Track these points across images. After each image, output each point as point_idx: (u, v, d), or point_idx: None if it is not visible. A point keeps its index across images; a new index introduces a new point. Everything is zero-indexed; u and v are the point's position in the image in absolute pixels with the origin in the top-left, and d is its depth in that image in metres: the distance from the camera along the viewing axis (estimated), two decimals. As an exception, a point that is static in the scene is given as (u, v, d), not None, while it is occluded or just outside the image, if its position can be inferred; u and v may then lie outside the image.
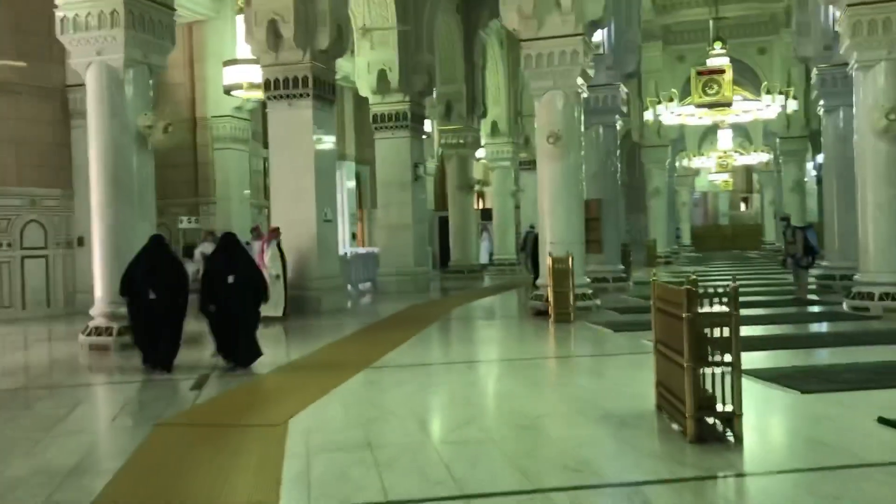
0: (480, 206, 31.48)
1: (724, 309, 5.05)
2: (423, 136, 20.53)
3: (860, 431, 5.18)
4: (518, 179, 28.07)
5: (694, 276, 5.16)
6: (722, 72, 17.31)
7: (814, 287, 16.07)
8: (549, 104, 12.93)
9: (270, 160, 14.72)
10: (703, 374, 5.01)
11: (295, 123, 14.13)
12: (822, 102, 15.84)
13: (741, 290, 5.18)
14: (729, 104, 17.75)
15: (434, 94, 23.13)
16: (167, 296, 8.25)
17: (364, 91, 18.64)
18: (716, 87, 17.02)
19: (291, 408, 6.23)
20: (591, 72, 13.40)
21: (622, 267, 17.81)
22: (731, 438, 4.91)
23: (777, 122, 27.69)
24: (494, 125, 25.99)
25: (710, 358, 4.99)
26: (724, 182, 54.91)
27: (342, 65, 24.81)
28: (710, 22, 24.31)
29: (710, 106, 17.77)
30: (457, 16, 21.91)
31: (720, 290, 5.14)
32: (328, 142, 14.73)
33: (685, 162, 37.99)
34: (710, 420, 5.07)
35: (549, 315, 11.85)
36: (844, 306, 12.11)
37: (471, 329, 12.23)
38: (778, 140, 28.47)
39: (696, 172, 46.12)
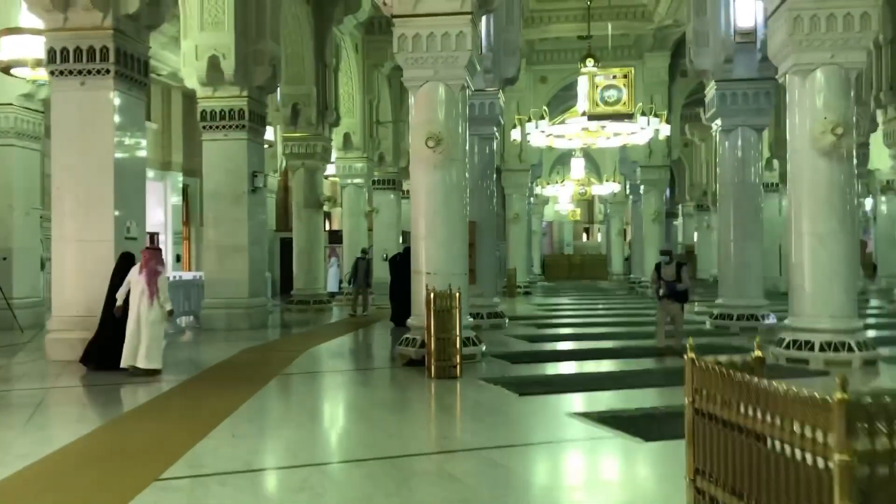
0: (328, 228, 28.37)
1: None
2: (266, 146, 17.31)
3: None
4: (371, 199, 25.31)
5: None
6: (625, 77, 15.39)
7: (708, 328, 14.36)
8: (427, 98, 10.26)
9: (52, 157, 11.05)
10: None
11: (89, 108, 10.62)
12: (718, 122, 14.24)
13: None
14: (630, 115, 15.85)
15: (279, 95, 20.02)
16: None
17: (191, 82, 15.19)
18: (615, 94, 15.05)
19: None
20: (478, 65, 10.90)
21: (497, 300, 15.38)
22: None
23: (638, 151, 26.65)
24: (347, 138, 23.10)
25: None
26: (571, 212, 55.09)
27: (169, 58, 21.19)
28: (585, 39, 22.84)
29: (606, 117, 15.79)
30: (307, 6, 18.91)
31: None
32: (136, 136, 11.29)
33: (538, 189, 36.82)
34: None
35: (427, 367, 9.08)
36: (771, 356, 10.16)
37: (322, 393, 8.97)
38: (639, 169, 27.46)
39: (546, 201, 45.51)
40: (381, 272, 26.08)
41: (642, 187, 27.80)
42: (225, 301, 14.68)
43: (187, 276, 20.09)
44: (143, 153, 11.74)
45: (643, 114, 19.65)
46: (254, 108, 15.27)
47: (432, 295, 8.94)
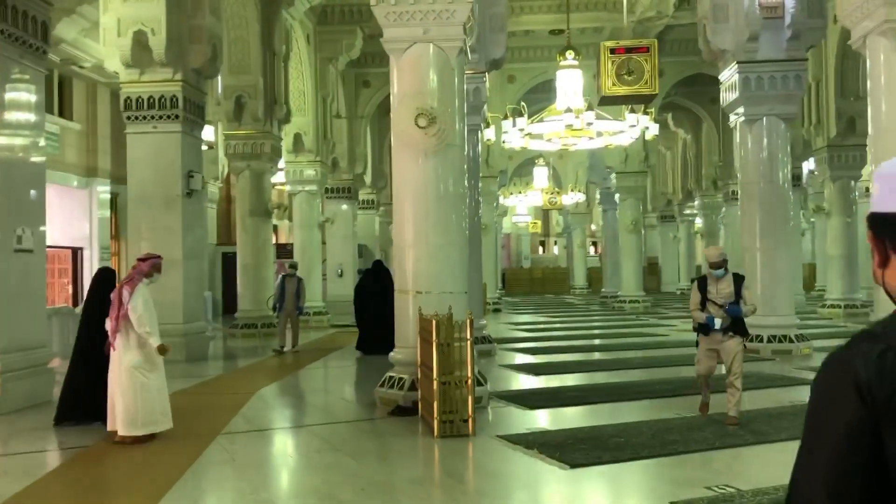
0: (275, 241, 25.70)
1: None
2: (206, 148, 14.72)
3: None
4: (323, 209, 22.78)
5: None
6: (646, 50, 13.21)
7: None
8: (415, 64, 7.93)
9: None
10: None
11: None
12: (740, 111, 12.21)
13: None
14: (652, 96, 13.70)
15: (219, 87, 17.46)
16: None
17: (112, 63, 12.60)
18: (636, 71, 12.88)
19: None
20: (474, 26, 8.62)
21: (484, 322, 13.06)
22: None
23: (612, 156, 24.73)
24: (298, 139, 20.52)
25: None
26: (532, 223, 53.31)
27: (92, 48, 18.38)
28: (558, 33, 20.83)
29: (624, 100, 13.61)
30: (253, -16, 16.43)
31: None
32: (31, 119, 8.68)
33: (501, 199, 34.73)
34: None
35: (426, 420, 6.72)
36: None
37: (281, 468, 6.32)
38: (614, 175, 25.54)
39: (505, 212, 43.48)
40: (337, 289, 23.60)
41: (618, 195, 25.83)
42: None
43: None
44: (39, 145, 9.08)
45: (632, 111, 17.64)
46: (189, 96, 12.68)
47: (434, 323, 6.54)
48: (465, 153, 8.69)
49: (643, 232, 44.49)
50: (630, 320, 20.35)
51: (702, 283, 7.16)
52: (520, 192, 37.17)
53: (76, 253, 20.73)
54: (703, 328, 6.97)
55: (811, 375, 7.99)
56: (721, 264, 6.99)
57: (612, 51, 13.87)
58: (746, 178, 12.37)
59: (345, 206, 24.57)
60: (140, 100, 12.47)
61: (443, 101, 7.83)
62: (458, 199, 8.13)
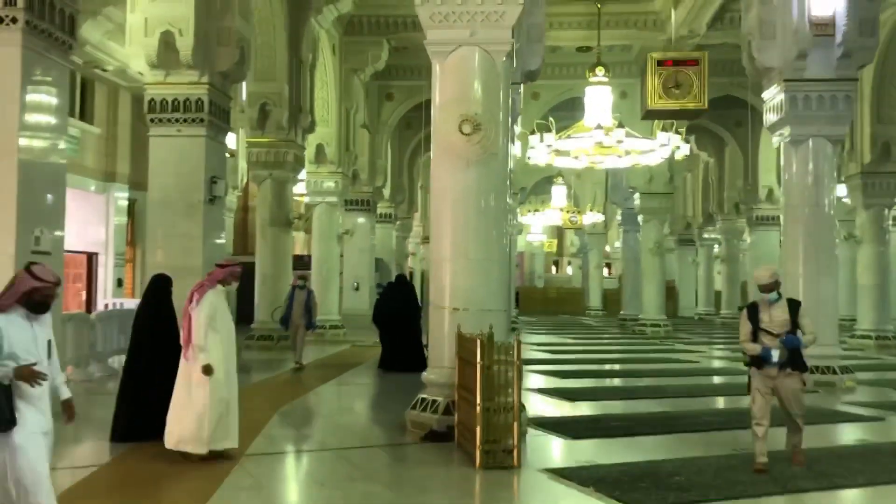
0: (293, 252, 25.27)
1: None
2: (226, 155, 14.32)
3: None
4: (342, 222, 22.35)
5: None
6: (695, 63, 12.75)
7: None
8: (460, 69, 7.52)
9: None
10: None
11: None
12: (785, 131, 11.73)
13: None
14: (701, 112, 13.22)
15: (244, 93, 17.14)
16: None
17: (137, 64, 12.24)
18: (685, 84, 12.41)
19: None
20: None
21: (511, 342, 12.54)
22: None
23: (637, 176, 24.25)
24: (320, 149, 20.18)
25: None
26: (547, 242, 52.84)
27: (116, 51, 18.10)
28: (585, 50, 20.43)
29: (670, 114, 13.14)
30: (281, -10, 16.12)
31: None
32: (53, 120, 8.31)
33: (519, 217, 34.28)
34: None
35: (458, 446, 6.26)
36: None
37: (314, 494, 5.69)
38: (638, 196, 25.05)
39: (520, 230, 43.01)
40: (353, 303, 23.18)
41: (641, 216, 25.31)
42: (171, 338, 11.52)
43: (129, 304, 16.92)
44: (61, 141, 8.71)
45: (663, 129, 17.18)
46: (215, 99, 12.30)
47: (479, 343, 6.06)
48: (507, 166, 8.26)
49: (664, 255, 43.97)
50: (654, 345, 19.80)
51: (752, 310, 6.34)
52: (536, 210, 36.76)
53: (91, 258, 20.39)
54: (757, 362, 6.16)
55: (861, 411, 7.27)
56: (773, 287, 6.25)
57: (660, 62, 13.42)
58: (790, 202, 11.87)
59: (364, 219, 24.24)
60: (164, 102, 12.09)
61: (488, 107, 7.41)
62: (499, 213, 7.68)
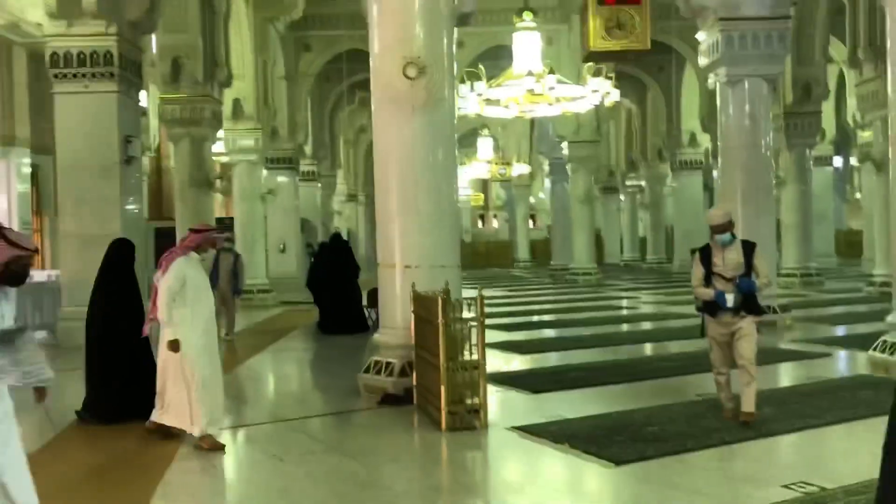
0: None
1: None
2: (140, 103, 13.34)
3: None
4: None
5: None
6: (637, 1, 12.39)
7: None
8: (400, 8, 6.99)
9: None
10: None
11: None
12: (721, 71, 11.61)
13: None
14: (644, 52, 12.91)
15: (153, 46, 16.03)
16: None
17: (35, 13, 11.20)
18: (627, 25, 12.04)
19: None
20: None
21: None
22: None
23: (565, 125, 24.11)
24: (237, 104, 19.20)
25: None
26: (474, 196, 52.69)
27: (5, 1, 16.60)
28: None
29: (612, 55, 12.79)
30: (188, -66, 14.99)
31: None
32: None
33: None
34: None
35: (418, 407, 5.94)
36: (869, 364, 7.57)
37: (275, 472, 5.00)
38: (566, 145, 24.92)
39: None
40: (281, 266, 22.42)
41: (569, 166, 25.26)
42: (91, 309, 10.73)
43: (38, 276, 15.79)
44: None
45: (594, 75, 16.95)
46: (125, 52, 11.35)
47: (441, 302, 5.67)
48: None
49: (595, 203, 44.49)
50: (589, 293, 19.87)
51: (705, 253, 5.94)
52: (462, 164, 36.38)
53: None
54: (711, 307, 5.82)
55: (809, 348, 7.19)
56: (727, 228, 5.84)
57: (601, 2, 13.03)
58: (728, 144, 11.81)
59: (285, 178, 23.34)
60: (69, 56, 11.10)
61: (432, 49, 6.93)
62: (449, 163, 7.27)
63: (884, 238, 16.06)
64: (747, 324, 5.79)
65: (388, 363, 6.94)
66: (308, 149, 25.56)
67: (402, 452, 5.44)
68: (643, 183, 33.78)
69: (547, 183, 33.65)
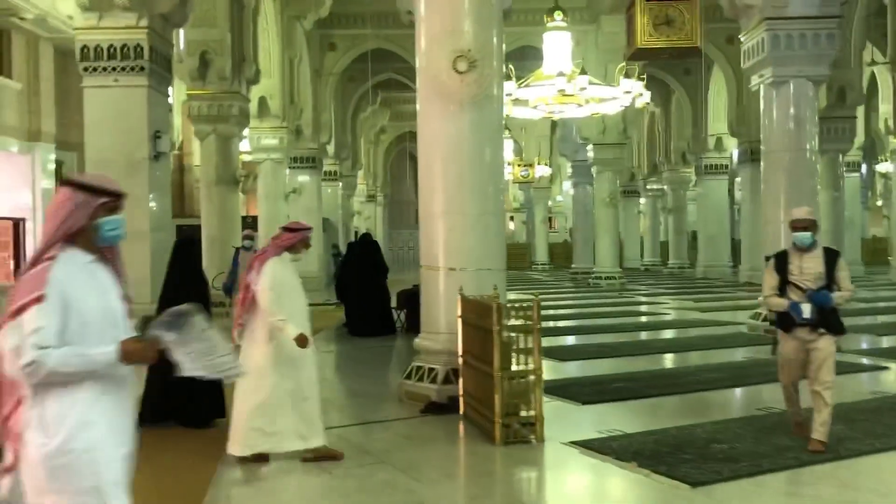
0: (236, 214, 24.02)
1: None
2: (169, 97, 13.13)
3: None
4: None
5: None
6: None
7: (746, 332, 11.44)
8: None
9: None
10: None
11: None
12: (766, 72, 11.26)
13: None
14: (693, 50, 12.59)
15: (181, 41, 15.82)
16: None
17: (66, 7, 11.01)
18: (677, 21, 11.72)
19: None
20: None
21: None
22: None
23: (590, 127, 23.77)
24: (263, 102, 19.03)
25: None
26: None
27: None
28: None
29: (661, 53, 12.48)
30: (218, -72, 14.80)
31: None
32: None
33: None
34: None
35: (465, 417, 5.64)
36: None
37: (324, 486, 4.76)
38: (591, 147, 24.57)
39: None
40: (300, 265, 22.11)
41: (594, 168, 24.89)
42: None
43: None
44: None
45: (626, 75, 16.63)
46: (156, 45, 11.13)
47: (495, 307, 5.38)
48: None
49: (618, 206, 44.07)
50: (615, 297, 19.52)
51: (780, 260, 5.38)
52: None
53: (17, 224, 18.89)
54: (784, 320, 5.25)
55: (861, 360, 6.74)
56: (809, 226, 5.29)
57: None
58: (771, 147, 11.47)
59: (308, 178, 23.15)
60: (99, 49, 10.87)
61: (482, 41, 6.65)
62: (496, 162, 6.99)
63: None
64: (826, 343, 5.19)
65: (430, 369, 6.67)
66: (331, 149, 25.37)
67: (455, 467, 5.16)
68: (665, 187, 33.35)
69: (566, 185, 33.29)
